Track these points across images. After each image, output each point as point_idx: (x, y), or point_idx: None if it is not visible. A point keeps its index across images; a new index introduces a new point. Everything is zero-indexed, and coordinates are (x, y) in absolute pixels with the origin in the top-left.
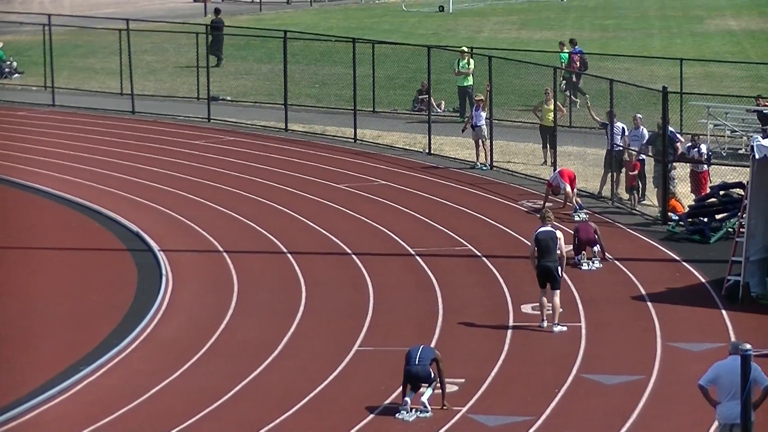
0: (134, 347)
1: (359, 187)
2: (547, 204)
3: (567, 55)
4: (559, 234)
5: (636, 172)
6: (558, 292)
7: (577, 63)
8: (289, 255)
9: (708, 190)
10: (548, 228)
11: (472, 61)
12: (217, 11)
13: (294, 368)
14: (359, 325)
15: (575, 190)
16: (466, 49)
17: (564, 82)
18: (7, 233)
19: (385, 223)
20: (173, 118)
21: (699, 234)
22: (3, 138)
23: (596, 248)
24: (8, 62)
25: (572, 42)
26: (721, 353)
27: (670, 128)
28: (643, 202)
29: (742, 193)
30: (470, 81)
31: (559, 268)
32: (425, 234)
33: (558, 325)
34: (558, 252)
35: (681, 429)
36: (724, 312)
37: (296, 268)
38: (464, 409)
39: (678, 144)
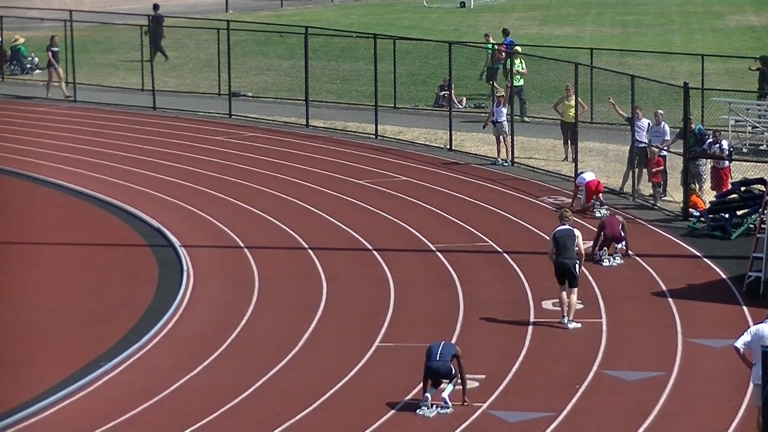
0: (154, 344)
1: (380, 183)
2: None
3: (492, 46)
4: (577, 232)
5: (661, 168)
6: (576, 289)
7: (503, 54)
8: (309, 251)
9: (729, 186)
10: (566, 227)
11: (524, 61)
12: (155, 7)
13: (314, 365)
14: (380, 321)
15: (599, 195)
16: (519, 49)
17: (486, 72)
18: (28, 229)
19: (405, 219)
20: (194, 114)
21: (720, 230)
22: (24, 134)
23: (620, 245)
24: (29, 58)
25: (504, 32)
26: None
27: (699, 125)
28: (664, 198)
29: (763, 189)
30: (522, 81)
31: (577, 264)
32: (446, 230)
33: (573, 321)
34: (576, 249)
35: (701, 425)
36: (744, 308)
37: (317, 264)
38: (484, 405)
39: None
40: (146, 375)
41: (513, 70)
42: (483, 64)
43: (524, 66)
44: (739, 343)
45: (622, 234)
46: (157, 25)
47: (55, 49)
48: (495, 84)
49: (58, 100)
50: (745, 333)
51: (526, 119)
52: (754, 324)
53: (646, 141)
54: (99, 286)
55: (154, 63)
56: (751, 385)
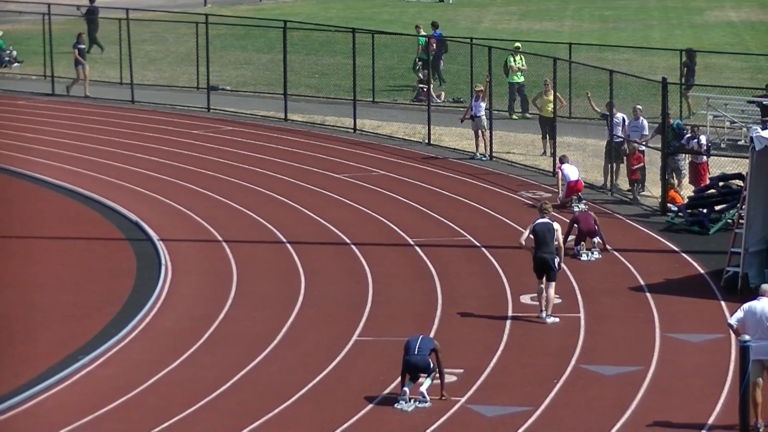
0: (133, 337)
1: (358, 177)
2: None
3: (424, 38)
4: (556, 226)
5: (641, 164)
6: (554, 283)
7: (434, 46)
8: (288, 245)
9: (707, 182)
10: (546, 220)
11: (524, 58)
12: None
13: (293, 358)
14: (358, 315)
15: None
16: (519, 45)
17: (420, 64)
18: (6, 223)
19: (384, 214)
20: (172, 107)
21: (698, 225)
22: (2, 127)
23: (596, 239)
24: (8, 51)
25: (434, 25)
26: (720, 344)
27: (678, 120)
28: (643, 193)
29: (742, 185)
30: (523, 77)
31: (556, 259)
32: (424, 224)
33: (551, 316)
34: (555, 243)
35: (680, 420)
36: (722, 303)
37: (295, 258)
38: (463, 400)
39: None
40: (125, 369)
41: (516, 67)
42: (415, 55)
43: (524, 62)
44: (733, 320)
45: (597, 228)
46: (93, 17)
47: (82, 46)
48: (420, 74)
49: (37, 94)
50: (739, 310)
51: (528, 115)
52: (747, 302)
53: (621, 136)
54: (78, 280)
55: (93, 56)
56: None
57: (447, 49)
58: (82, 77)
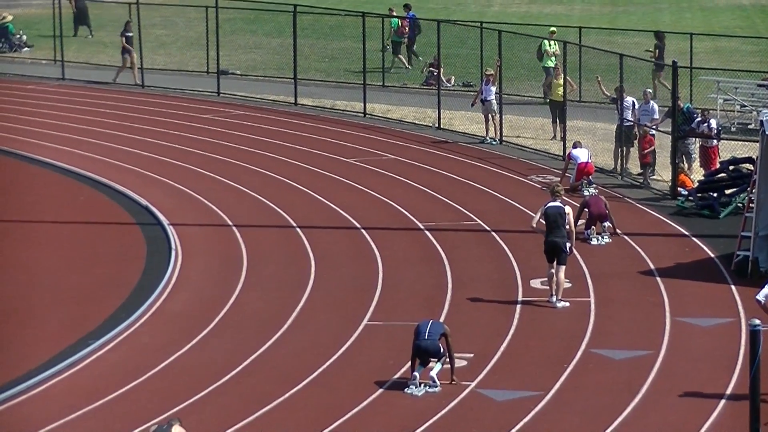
0: (143, 321)
1: (368, 162)
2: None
3: (396, 20)
4: (568, 209)
5: (652, 148)
6: (564, 267)
7: (406, 28)
8: (298, 229)
9: (717, 165)
10: (557, 203)
11: (557, 43)
12: None
13: (302, 342)
14: (368, 299)
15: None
16: (555, 29)
17: (390, 45)
18: (16, 207)
19: (394, 198)
20: (182, 92)
21: (708, 209)
22: (13, 111)
23: (606, 223)
24: (18, 36)
25: (406, 7)
26: (730, 328)
27: (688, 104)
28: (653, 177)
29: (752, 168)
30: (555, 62)
31: (568, 243)
32: (434, 208)
33: (561, 300)
34: (567, 227)
35: (689, 404)
36: (733, 287)
37: (305, 242)
38: (473, 384)
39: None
40: (135, 353)
41: (551, 51)
42: (387, 37)
43: (557, 47)
44: (761, 296)
45: (607, 212)
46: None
47: (129, 34)
48: (400, 57)
49: (47, 78)
50: (765, 287)
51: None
52: None
53: (631, 120)
54: (88, 264)
55: (88, 39)
56: None
57: (420, 31)
58: (129, 65)
